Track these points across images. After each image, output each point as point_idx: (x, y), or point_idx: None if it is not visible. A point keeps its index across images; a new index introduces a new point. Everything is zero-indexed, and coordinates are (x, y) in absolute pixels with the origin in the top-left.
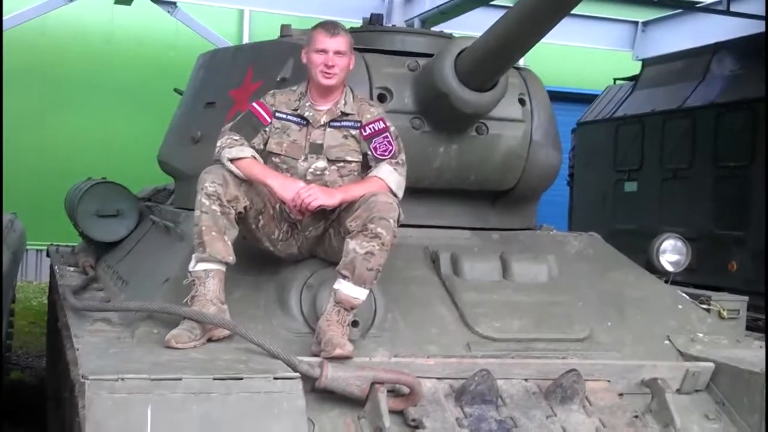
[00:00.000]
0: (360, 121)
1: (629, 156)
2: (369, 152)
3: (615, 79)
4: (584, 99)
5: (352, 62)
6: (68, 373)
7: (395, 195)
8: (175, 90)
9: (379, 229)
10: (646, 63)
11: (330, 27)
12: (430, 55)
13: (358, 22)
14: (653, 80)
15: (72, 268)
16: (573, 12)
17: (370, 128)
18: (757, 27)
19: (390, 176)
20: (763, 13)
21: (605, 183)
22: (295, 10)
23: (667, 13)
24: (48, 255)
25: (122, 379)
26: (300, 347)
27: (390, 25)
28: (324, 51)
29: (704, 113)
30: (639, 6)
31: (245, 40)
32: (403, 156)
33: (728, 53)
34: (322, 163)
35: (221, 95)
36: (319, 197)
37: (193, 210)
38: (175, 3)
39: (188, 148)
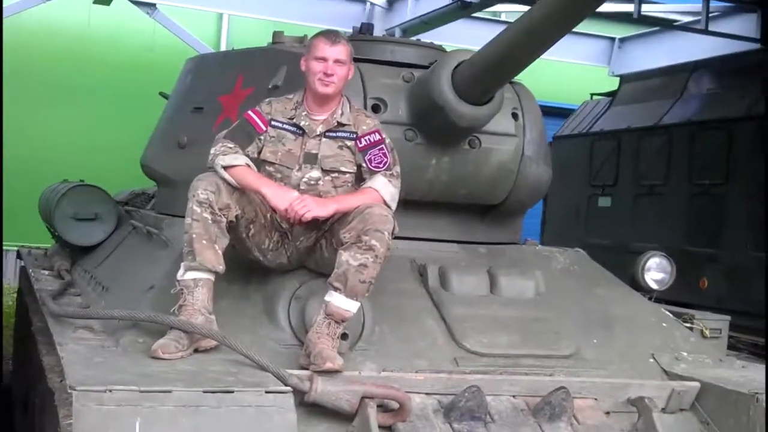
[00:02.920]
0: (356, 132)
1: (604, 171)
2: (364, 164)
3: (592, 94)
4: (561, 113)
5: (351, 72)
6: (42, 379)
7: (389, 207)
8: (161, 94)
9: (373, 242)
10: (624, 79)
11: (331, 35)
12: (422, 66)
13: (341, 30)
14: (631, 96)
15: (47, 272)
16: None
17: (365, 140)
18: (735, 47)
19: (384, 188)
20: (741, 33)
21: (579, 197)
22: (275, 15)
23: (644, 30)
24: (19, 257)
25: (110, 391)
26: (287, 359)
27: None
28: (323, 59)
29: (680, 131)
30: (616, 22)
31: (223, 45)
32: (397, 168)
33: (706, 72)
34: (316, 173)
35: (210, 101)
36: (313, 208)
37: (176, 216)
38: (154, 4)
39: (174, 153)
